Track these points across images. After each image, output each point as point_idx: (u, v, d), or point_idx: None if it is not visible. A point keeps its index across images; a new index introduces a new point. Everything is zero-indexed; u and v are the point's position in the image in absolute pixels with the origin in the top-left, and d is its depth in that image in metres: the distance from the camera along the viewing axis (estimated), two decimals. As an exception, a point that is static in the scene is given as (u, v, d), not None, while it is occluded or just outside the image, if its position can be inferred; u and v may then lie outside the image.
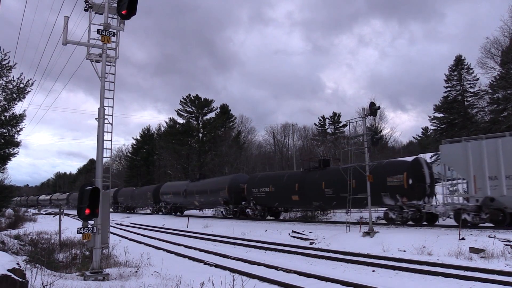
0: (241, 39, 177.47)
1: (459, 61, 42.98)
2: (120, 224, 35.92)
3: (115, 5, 10.52)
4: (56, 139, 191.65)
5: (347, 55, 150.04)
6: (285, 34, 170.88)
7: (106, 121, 10.92)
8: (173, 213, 41.66)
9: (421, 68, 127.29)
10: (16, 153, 20.34)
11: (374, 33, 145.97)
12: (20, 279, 5.98)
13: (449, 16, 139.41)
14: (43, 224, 31.74)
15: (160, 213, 44.04)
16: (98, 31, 10.90)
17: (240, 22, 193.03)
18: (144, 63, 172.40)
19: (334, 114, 75.49)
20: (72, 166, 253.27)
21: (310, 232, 19.99)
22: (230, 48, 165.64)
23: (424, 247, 14.35)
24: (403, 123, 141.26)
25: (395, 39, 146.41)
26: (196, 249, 17.68)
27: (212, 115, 64.78)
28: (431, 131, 59.32)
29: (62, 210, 18.83)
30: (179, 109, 64.77)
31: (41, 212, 59.10)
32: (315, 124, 76.92)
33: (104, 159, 10.88)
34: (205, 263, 13.74)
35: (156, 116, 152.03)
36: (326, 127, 76.90)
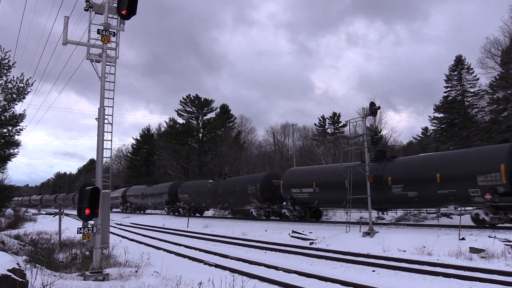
0: (227, 40, 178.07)
1: (459, 61, 43.00)
2: (120, 224, 35.92)
3: (115, 5, 10.53)
4: (51, 139, 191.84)
5: (334, 56, 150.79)
6: (270, 35, 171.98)
7: (106, 121, 10.91)
8: (193, 215, 38.55)
9: (409, 68, 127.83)
10: (16, 153, 20.35)
11: (360, 34, 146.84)
12: (20, 279, 5.98)
13: (434, 16, 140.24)
14: (43, 224, 31.73)
15: (176, 214, 40.68)
16: (98, 31, 10.90)
17: (224, 24, 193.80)
18: (134, 64, 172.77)
19: (334, 114, 75.46)
20: (69, 166, 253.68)
21: (310, 232, 19.99)
22: (217, 49, 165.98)
23: (424, 247, 14.35)
24: (396, 124, 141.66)
25: (382, 39, 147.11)
26: (196, 249, 17.68)
27: (212, 115, 64.85)
28: (431, 131, 59.34)
29: (62, 210, 18.82)
30: (179, 109, 64.81)
31: (41, 212, 59.04)
32: (315, 124, 76.95)
33: (104, 159, 10.87)
34: (205, 263, 13.74)
35: (149, 116, 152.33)
36: (326, 127, 76.89)
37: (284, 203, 27.32)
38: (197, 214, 39.25)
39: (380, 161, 20.88)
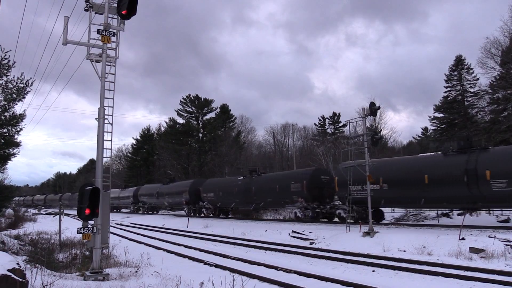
0: (226, 40, 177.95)
1: (459, 61, 42.99)
2: (120, 224, 35.94)
3: (115, 5, 10.53)
4: (50, 139, 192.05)
5: (333, 56, 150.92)
6: (269, 35, 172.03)
7: (106, 121, 10.91)
8: (219, 215, 35.43)
9: (408, 68, 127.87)
10: (17, 153, 20.33)
11: (359, 34, 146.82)
12: (20, 279, 5.98)
13: (432, 16, 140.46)
14: (43, 224, 31.74)
15: (198, 215, 36.95)
16: (98, 31, 10.90)
17: (223, 24, 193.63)
18: (133, 64, 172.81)
19: (334, 114, 75.46)
20: (69, 166, 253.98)
21: (310, 232, 19.99)
22: (216, 49, 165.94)
23: (424, 247, 14.35)
24: (396, 124, 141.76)
25: (381, 39, 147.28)
26: (196, 249, 17.68)
27: (212, 115, 64.86)
28: (431, 131, 59.31)
29: (62, 210, 18.83)
30: (179, 109, 64.81)
31: (41, 212, 59.02)
32: (315, 124, 76.97)
33: (104, 159, 10.88)
34: (205, 263, 13.74)
35: (148, 116, 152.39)
36: (326, 127, 76.89)
37: (339, 202, 23.56)
38: (222, 215, 35.58)
39: (471, 152, 17.75)
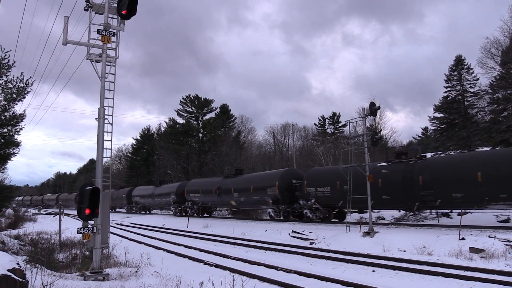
0: (222, 40, 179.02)
1: (459, 61, 42.98)
2: (120, 224, 35.93)
3: (115, 5, 10.53)
4: (49, 139, 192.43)
5: (330, 56, 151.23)
6: (265, 36, 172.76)
7: (106, 121, 10.91)
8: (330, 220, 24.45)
9: (405, 68, 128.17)
10: (16, 153, 20.37)
11: (355, 34, 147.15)
12: (20, 279, 5.98)
13: (428, 16, 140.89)
14: (43, 224, 31.73)
15: (295, 219, 26.01)
16: (98, 31, 10.91)
17: (219, 24, 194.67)
18: (130, 64, 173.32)
19: (334, 114, 75.47)
20: (68, 166, 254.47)
21: (310, 232, 19.99)
22: (213, 49, 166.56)
23: (424, 247, 14.35)
24: (395, 124, 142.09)
25: (377, 40, 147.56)
26: (196, 249, 17.68)
27: (212, 115, 64.87)
28: (431, 131, 59.36)
29: (62, 210, 18.83)
30: (179, 109, 64.82)
31: (41, 212, 59.01)
32: (315, 124, 76.99)
33: (104, 159, 10.87)
34: (205, 263, 13.74)
35: (146, 116, 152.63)
36: (326, 127, 76.88)
37: None
38: (334, 220, 24.86)
39: None
